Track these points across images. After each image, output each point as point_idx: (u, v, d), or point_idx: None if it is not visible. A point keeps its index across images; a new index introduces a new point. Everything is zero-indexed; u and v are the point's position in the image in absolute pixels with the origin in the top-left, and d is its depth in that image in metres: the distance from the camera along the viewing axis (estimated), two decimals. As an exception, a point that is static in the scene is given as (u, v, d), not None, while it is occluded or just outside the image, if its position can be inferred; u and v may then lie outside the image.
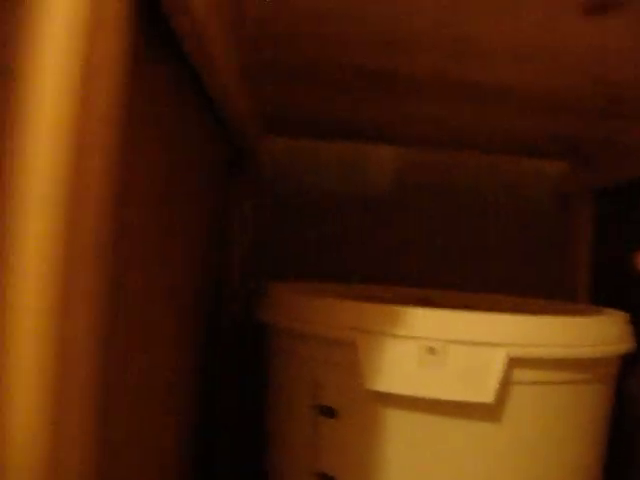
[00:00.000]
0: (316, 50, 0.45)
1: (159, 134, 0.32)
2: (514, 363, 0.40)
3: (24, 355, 0.17)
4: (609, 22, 0.37)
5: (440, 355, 0.39)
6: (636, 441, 0.66)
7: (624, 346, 0.46)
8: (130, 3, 0.22)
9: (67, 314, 0.17)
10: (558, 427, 0.43)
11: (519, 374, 0.40)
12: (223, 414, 0.68)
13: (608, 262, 0.78)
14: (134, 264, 0.30)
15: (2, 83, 0.18)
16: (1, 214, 0.16)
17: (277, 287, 0.54)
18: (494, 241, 0.83)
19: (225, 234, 0.70)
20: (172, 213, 0.38)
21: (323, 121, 0.68)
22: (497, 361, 0.39)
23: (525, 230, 0.83)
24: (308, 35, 0.42)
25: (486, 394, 0.39)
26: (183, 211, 0.42)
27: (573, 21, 0.37)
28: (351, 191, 0.80)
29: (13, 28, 0.17)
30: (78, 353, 0.18)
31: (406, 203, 0.81)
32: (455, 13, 0.37)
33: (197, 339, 0.53)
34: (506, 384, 0.40)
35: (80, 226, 0.18)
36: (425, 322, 0.39)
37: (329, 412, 0.43)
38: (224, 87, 0.40)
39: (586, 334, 0.42)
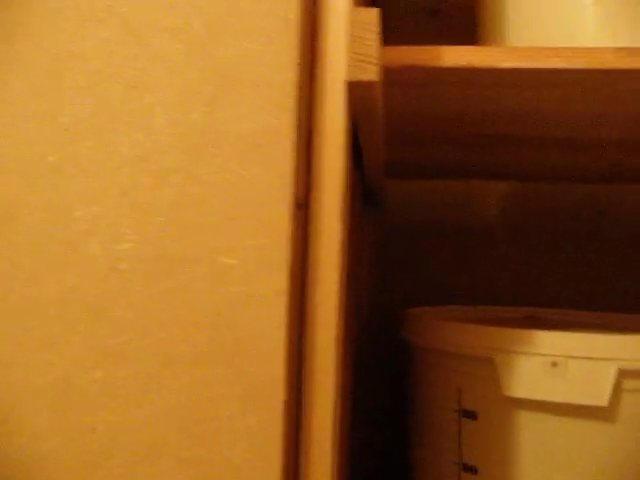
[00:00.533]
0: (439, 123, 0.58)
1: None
2: (624, 374, 0.50)
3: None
4: None
5: (561, 368, 0.50)
6: None
7: None
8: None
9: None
10: (664, 426, 0.52)
11: (628, 383, 0.50)
12: (364, 426, 0.81)
13: None
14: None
15: (299, 214, 0.31)
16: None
17: (420, 313, 0.66)
18: (601, 264, 0.91)
19: (359, 265, 0.83)
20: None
21: (445, 167, 0.80)
22: (609, 373, 0.49)
23: (629, 253, 0.91)
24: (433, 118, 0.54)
25: (601, 399, 0.49)
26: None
27: None
28: (462, 224, 0.91)
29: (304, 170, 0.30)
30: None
31: (513, 231, 0.91)
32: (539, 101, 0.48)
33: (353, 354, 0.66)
34: (618, 391, 0.50)
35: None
36: (548, 342, 0.50)
37: (471, 415, 0.55)
38: (375, 157, 0.53)
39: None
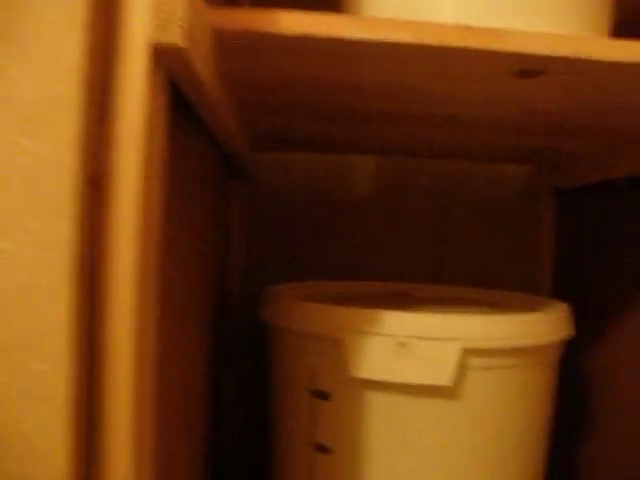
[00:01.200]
0: (304, 94, 0.55)
1: (182, 168, 0.42)
2: (468, 353, 0.50)
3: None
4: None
5: (409, 348, 0.49)
6: (577, 414, 0.77)
7: (565, 333, 0.56)
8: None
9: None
10: (509, 406, 0.54)
11: (473, 361, 0.51)
12: (227, 400, 0.79)
13: (568, 255, 0.89)
14: (175, 273, 0.40)
15: (92, 192, 0.28)
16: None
17: (277, 292, 0.64)
18: (468, 238, 0.93)
19: (224, 240, 0.80)
20: (192, 225, 0.48)
21: (313, 140, 0.78)
22: (453, 352, 0.49)
23: (497, 227, 0.94)
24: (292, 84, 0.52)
25: (445, 378, 0.49)
26: (199, 222, 0.52)
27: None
28: (337, 197, 0.90)
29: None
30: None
31: (387, 205, 0.91)
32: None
33: (209, 329, 0.63)
34: (462, 370, 0.50)
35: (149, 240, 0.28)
36: (395, 322, 0.50)
37: (323, 395, 0.54)
38: (222, 125, 0.50)
39: (531, 327, 0.53)
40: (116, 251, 0.27)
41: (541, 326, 0.54)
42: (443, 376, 0.49)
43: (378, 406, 0.52)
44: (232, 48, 0.39)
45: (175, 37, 0.27)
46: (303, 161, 0.90)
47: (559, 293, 0.89)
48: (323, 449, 0.56)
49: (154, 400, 0.32)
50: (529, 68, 0.43)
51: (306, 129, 0.70)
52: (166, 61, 0.30)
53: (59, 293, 0.26)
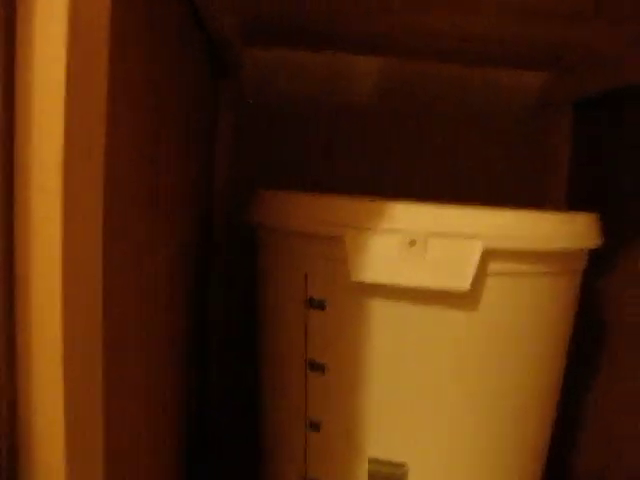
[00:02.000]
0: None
1: (145, 49, 0.34)
2: (489, 254, 0.43)
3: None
4: None
5: (420, 247, 0.42)
6: (599, 334, 0.71)
7: (591, 242, 0.49)
8: None
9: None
10: (529, 315, 0.47)
11: (494, 265, 0.44)
12: (214, 311, 0.72)
13: (585, 171, 0.81)
14: (126, 168, 0.32)
15: None
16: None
17: (266, 191, 0.56)
18: (476, 150, 0.85)
19: (211, 143, 0.71)
20: (162, 119, 0.40)
21: (308, 32, 0.69)
22: (473, 252, 0.42)
23: (507, 140, 0.85)
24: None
25: (462, 282, 0.42)
26: (173, 118, 0.44)
27: None
28: (336, 100, 0.81)
29: None
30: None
31: (388, 113, 0.83)
32: None
33: (191, 239, 0.56)
34: (481, 274, 0.43)
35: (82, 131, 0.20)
36: (406, 216, 0.42)
37: (319, 304, 0.47)
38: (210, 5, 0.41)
39: (557, 228, 0.46)
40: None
41: (571, 228, 0.46)
42: (461, 280, 0.42)
43: (381, 315, 0.45)
44: None
45: None
46: (300, 59, 0.80)
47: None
48: (317, 366, 0.49)
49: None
50: None
51: (305, 15, 0.60)
52: None
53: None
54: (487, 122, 0.84)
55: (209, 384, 0.75)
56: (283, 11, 0.61)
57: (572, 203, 0.84)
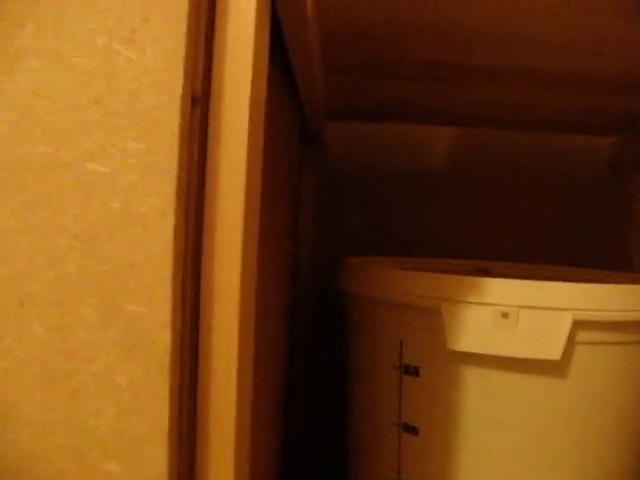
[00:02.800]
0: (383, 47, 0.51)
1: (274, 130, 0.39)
2: (578, 325, 0.45)
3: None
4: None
5: (512, 319, 0.45)
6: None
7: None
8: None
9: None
10: (618, 382, 0.48)
11: (583, 335, 0.46)
12: (301, 375, 0.76)
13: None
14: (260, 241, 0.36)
15: (194, 110, 0.24)
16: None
17: (359, 260, 0.60)
18: (550, 214, 0.87)
19: (297, 207, 0.76)
20: (273, 189, 0.45)
21: (387, 106, 0.74)
22: (563, 323, 0.44)
23: (580, 203, 0.87)
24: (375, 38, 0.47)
25: (554, 352, 0.44)
26: (278, 188, 0.49)
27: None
28: (412, 169, 0.86)
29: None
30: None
31: (463, 180, 0.86)
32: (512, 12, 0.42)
33: (286, 305, 0.60)
34: (571, 344, 0.45)
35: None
36: (499, 290, 0.45)
37: (413, 371, 0.50)
38: (311, 81, 0.46)
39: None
40: (222, 179, 0.24)
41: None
42: (552, 350, 0.45)
43: (475, 382, 0.47)
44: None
45: None
46: (379, 131, 0.85)
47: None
48: (411, 429, 0.51)
49: (250, 365, 0.29)
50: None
51: (386, 92, 0.65)
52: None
53: (160, 222, 0.22)
54: (559, 185, 0.87)
55: (292, 446, 0.78)
56: (367, 93, 0.66)
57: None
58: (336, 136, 0.85)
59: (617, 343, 0.47)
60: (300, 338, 0.75)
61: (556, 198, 0.87)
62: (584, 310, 0.45)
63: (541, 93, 0.63)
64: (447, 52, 0.50)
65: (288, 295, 0.62)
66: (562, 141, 0.87)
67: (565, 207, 0.87)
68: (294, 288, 0.73)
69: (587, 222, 0.87)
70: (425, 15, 0.41)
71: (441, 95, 0.66)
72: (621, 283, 0.60)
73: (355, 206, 0.85)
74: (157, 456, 0.23)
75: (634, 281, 0.62)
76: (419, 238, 0.86)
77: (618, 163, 0.88)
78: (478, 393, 0.47)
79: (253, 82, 0.24)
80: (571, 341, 0.45)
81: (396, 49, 0.50)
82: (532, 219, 0.87)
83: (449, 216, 0.86)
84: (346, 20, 0.43)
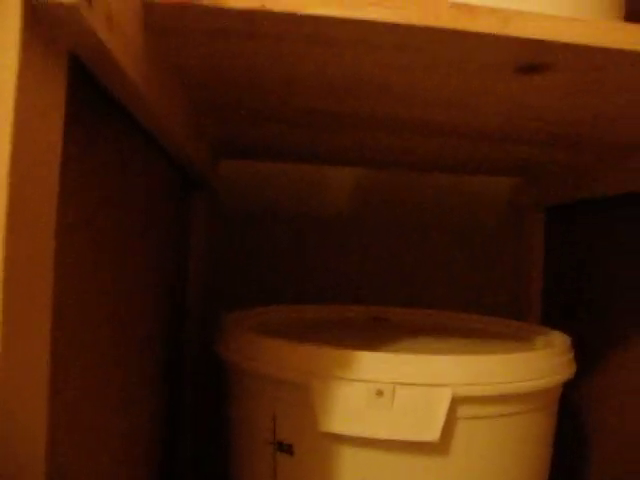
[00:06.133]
0: (268, 95, 0.47)
1: (101, 177, 0.34)
2: (458, 401, 0.42)
3: None
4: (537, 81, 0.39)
5: (388, 397, 0.41)
6: (578, 451, 0.69)
7: (563, 376, 0.49)
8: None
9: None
10: (503, 456, 0.45)
11: (463, 411, 0.43)
12: (184, 445, 0.70)
13: (558, 274, 0.82)
14: (84, 293, 0.31)
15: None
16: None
17: (238, 321, 0.55)
18: (450, 256, 0.85)
19: (182, 255, 0.71)
20: (126, 240, 0.40)
21: (278, 148, 0.70)
22: (442, 401, 0.41)
23: (480, 245, 0.86)
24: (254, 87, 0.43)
25: (432, 433, 0.41)
26: (140, 236, 0.44)
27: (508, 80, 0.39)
28: (309, 211, 0.82)
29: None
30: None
31: (363, 222, 0.83)
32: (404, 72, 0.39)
33: (161, 365, 0.54)
34: (451, 422, 0.42)
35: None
36: (373, 365, 0.41)
37: (287, 449, 0.45)
38: (164, 130, 0.41)
39: (526, 369, 0.45)
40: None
41: (542, 366, 0.46)
42: (430, 430, 0.41)
43: (349, 463, 0.43)
44: (166, 27, 0.31)
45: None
46: (272, 170, 0.81)
47: (549, 320, 0.82)
48: (287, 510, 0.47)
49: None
50: (537, 61, 0.35)
51: (270, 136, 0.61)
52: (58, 28, 0.21)
53: None
54: (456, 227, 0.85)
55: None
56: (245, 134, 0.62)
57: (547, 307, 0.84)
58: (232, 176, 0.80)
59: (499, 416, 0.45)
60: (185, 401, 0.70)
61: (457, 240, 0.86)
62: (463, 385, 0.42)
63: (431, 140, 0.61)
64: (329, 101, 0.47)
65: (165, 355, 0.57)
66: (462, 182, 0.86)
67: (466, 248, 0.86)
68: (177, 344, 0.67)
69: (489, 263, 0.86)
70: (285, 66, 0.37)
71: (330, 141, 0.63)
72: (516, 335, 0.58)
73: (251, 249, 0.81)
74: None
75: (525, 337, 0.60)
76: (318, 282, 0.82)
77: (517, 204, 0.87)
78: (354, 475, 0.43)
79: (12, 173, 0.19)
80: (450, 418, 0.42)
81: (259, 95, 0.46)
82: (433, 261, 0.85)
83: (347, 259, 0.83)
84: (205, 69, 0.38)
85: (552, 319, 0.81)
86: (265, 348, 0.45)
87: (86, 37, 0.22)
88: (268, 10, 0.28)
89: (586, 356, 0.70)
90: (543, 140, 0.58)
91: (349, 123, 0.53)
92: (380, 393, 0.41)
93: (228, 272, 0.80)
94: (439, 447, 0.43)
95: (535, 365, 0.46)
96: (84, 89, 0.28)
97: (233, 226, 0.80)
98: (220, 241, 0.80)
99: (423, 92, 0.43)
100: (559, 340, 0.55)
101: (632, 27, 0.33)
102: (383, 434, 0.41)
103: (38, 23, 0.20)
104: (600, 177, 0.67)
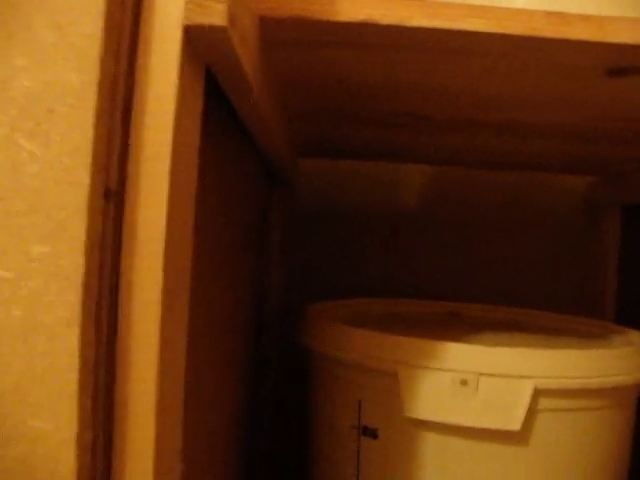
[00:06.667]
0: (355, 99, 0.49)
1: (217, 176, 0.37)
2: (540, 393, 0.44)
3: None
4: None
5: (471, 386, 0.43)
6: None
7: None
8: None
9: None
10: (582, 451, 0.47)
11: (544, 403, 0.44)
12: (265, 431, 0.74)
13: (634, 273, 0.81)
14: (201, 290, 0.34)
15: (107, 207, 0.23)
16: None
17: (321, 313, 0.58)
18: (525, 254, 0.86)
19: (264, 251, 0.74)
20: (230, 244, 0.43)
21: (360, 149, 0.72)
22: (524, 392, 0.43)
23: (555, 243, 0.86)
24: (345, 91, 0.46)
25: (514, 422, 0.43)
26: (237, 239, 0.47)
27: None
28: (384, 207, 0.84)
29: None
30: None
31: (436, 219, 0.85)
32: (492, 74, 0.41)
33: (248, 354, 0.58)
34: (532, 413, 0.44)
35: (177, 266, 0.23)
36: (458, 356, 0.43)
37: (371, 433, 0.48)
38: (265, 128, 0.44)
39: (606, 365, 0.46)
40: (137, 286, 0.22)
41: (622, 363, 0.47)
42: (512, 420, 0.43)
43: (432, 449, 0.46)
44: (279, 39, 0.34)
45: (215, 18, 0.22)
46: (350, 169, 0.84)
47: (623, 319, 0.81)
48: (369, 492, 0.49)
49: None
50: (627, 65, 0.36)
51: (355, 137, 0.64)
52: (203, 46, 0.24)
53: (65, 334, 0.21)
54: (533, 224, 0.86)
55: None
56: (334, 132, 0.64)
57: (620, 310, 0.83)
58: (308, 173, 0.84)
59: (579, 409, 0.46)
60: (268, 391, 0.73)
61: (531, 237, 0.86)
62: (545, 378, 0.43)
63: (515, 141, 0.62)
64: (417, 106, 0.49)
65: (250, 350, 0.60)
66: (537, 180, 0.87)
67: (540, 246, 0.86)
68: (259, 337, 0.70)
69: (563, 261, 0.86)
70: (385, 73, 0.40)
71: (411, 141, 0.65)
72: (594, 333, 0.59)
73: (327, 246, 0.84)
74: None
75: (603, 336, 0.61)
76: (392, 278, 0.84)
77: (593, 202, 0.87)
78: (436, 460, 0.46)
79: (172, 173, 0.22)
80: (532, 409, 0.44)
81: (364, 103, 0.48)
82: (507, 258, 0.86)
83: (422, 255, 0.85)
84: (307, 76, 0.41)
85: (626, 318, 0.81)
86: (353, 338, 0.48)
87: (226, 52, 0.25)
88: (375, 22, 0.31)
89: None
90: (628, 138, 0.59)
91: (447, 126, 0.55)
92: (465, 382, 0.43)
93: (304, 268, 0.83)
94: (520, 437, 0.44)
95: (614, 362, 0.47)
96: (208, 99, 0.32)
97: (310, 222, 0.83)
98: (296, 238, 0.83)
99: (516, 95, 0.44)
100: (636, 339, 0.55)
101: None
102: (466, 422, 0.43)
103: (189, 42, 0.23)
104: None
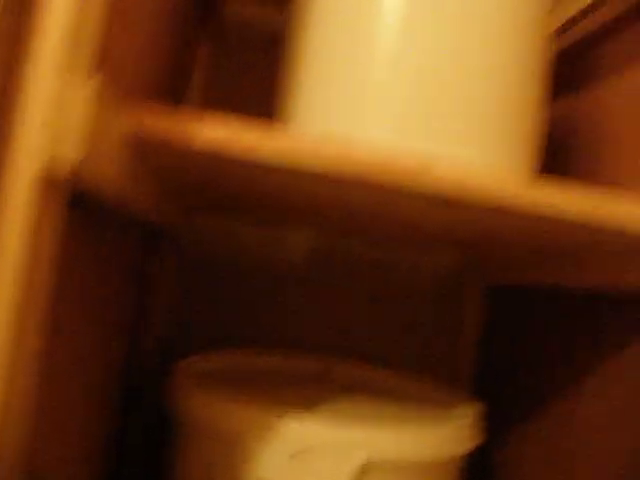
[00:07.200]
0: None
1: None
2: (366, 467, 0.49)
3: None
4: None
5: (301, 458, 0.48)
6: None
7: (467, 446, 0.56)
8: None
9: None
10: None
11: (372, 476, 0.50)
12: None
13: (493, 349, 0.90)
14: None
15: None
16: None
17: (187, 370, 0.62)
18: (397, 318, 0.93)
19: (144, 303, 0.77)
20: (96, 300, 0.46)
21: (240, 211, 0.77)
22: (350, 465, 0.48)
23: (424, 312, 0.94)
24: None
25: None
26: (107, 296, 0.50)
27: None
28: (266, 266, 0.89)
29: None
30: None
31: (317, 278, 0.91)
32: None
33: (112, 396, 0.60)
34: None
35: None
36: (289, 427, 0.48)
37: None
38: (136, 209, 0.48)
39: (431, 440, 0.52)
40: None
41: (445, 438, 0.53)
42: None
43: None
44: (148, 152, 0.38)
45: (67, 169, 0.26)
46: (233, 227, 0.88)
47: (479, 387, 0.90)
48: None
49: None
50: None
51: (235, 207, 0.69)
52: (61, 186, 0.28)
53: None
54: (404, 293, 0.93)
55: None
56: (215, 203, 0.69)
57: (479, 374, 0.91)
58: (196, 229, 0.87)
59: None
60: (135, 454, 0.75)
61: (403, 304, 0.93)
62: (375, 451, 0.49)
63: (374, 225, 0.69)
64: (284, 199, 0.54)
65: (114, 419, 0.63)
66: (410, 254, 0.94)
67: (411, 312, 0.93)
68: (130, 402, 0.72)
69: (430, 329, 0.94)
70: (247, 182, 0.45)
71: (290, 214, 0.70)
72: (438, 400, 0.65)
73: (214, 296, 0.87)
74: None
75: (439, 404, 0.67)
76: (277, 329, 0.89)
77: (456, 281, 0.95)
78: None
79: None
80: (358, 480, 0.49)
81: (236, 192, 0.53)
82: (380, 321, 0.92)
83: (305, 311, 0.90)
84: (175, 174, 0.46)
85: (482, 387, 0.89)
86: (199, 401, 0.52)
87: (83, 190, 0.29)
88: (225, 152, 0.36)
89: (503, 425, 0.78)
90: (473, 243, 0.67)
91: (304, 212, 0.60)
92: (294, 455, 0.48)
93: (187, 320, 0.86)
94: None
95: (439, 437, 0.53)
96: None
97: (195, 277, 0.87)
98: (183, 288, 0.86)
99: (356, 207, 0.51)
100: (468, 410, 0.62)
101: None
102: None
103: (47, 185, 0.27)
104: (527, 269, 0.76)
